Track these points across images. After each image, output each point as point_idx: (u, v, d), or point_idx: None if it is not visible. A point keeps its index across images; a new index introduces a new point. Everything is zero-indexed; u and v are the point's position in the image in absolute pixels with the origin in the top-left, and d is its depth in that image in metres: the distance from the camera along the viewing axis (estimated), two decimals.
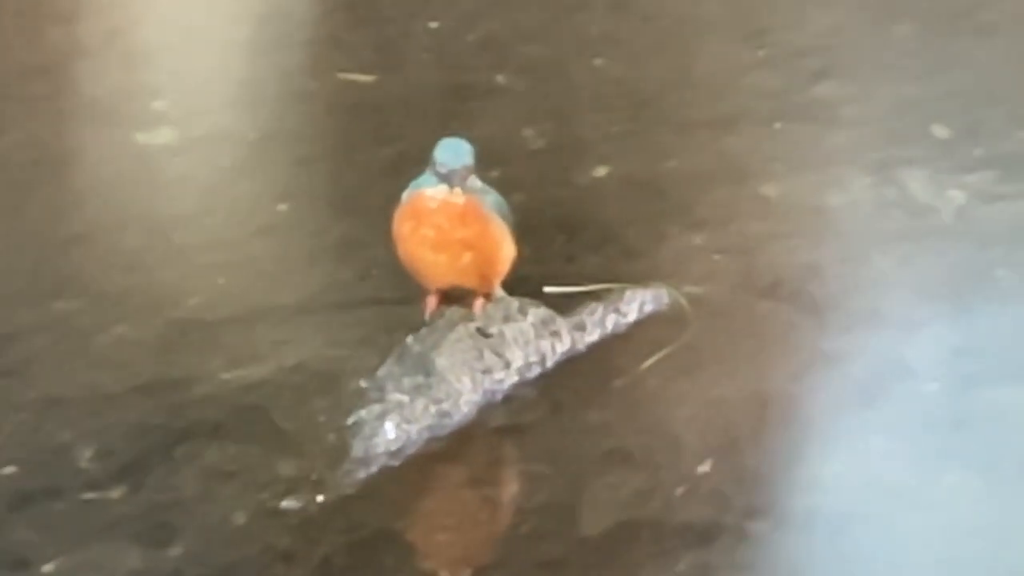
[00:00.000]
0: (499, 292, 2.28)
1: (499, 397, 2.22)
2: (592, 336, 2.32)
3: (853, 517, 2.04)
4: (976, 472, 2.10)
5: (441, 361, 2.20)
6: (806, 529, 2.04)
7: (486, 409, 2.20)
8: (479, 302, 2.27)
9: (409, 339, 2.24)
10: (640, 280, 2.39)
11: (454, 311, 2.26)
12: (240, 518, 2.03)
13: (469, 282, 2.24)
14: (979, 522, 2.03)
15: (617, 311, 2.35)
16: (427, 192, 2.18)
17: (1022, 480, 2.10)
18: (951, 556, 2.00)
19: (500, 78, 2.95)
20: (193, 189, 2.67)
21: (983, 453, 2.14)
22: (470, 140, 2.19)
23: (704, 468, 2.12)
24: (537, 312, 2.29)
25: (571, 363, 2.28)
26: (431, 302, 2.27)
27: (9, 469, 2.10)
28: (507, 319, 2.27)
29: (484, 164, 2.21)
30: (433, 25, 3.14)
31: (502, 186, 2.27)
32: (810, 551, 2.01)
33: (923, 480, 2.10)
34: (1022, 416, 2.21)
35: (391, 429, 2.14)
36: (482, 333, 2.24)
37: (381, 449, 2.13)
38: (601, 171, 2.70)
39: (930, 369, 2.28)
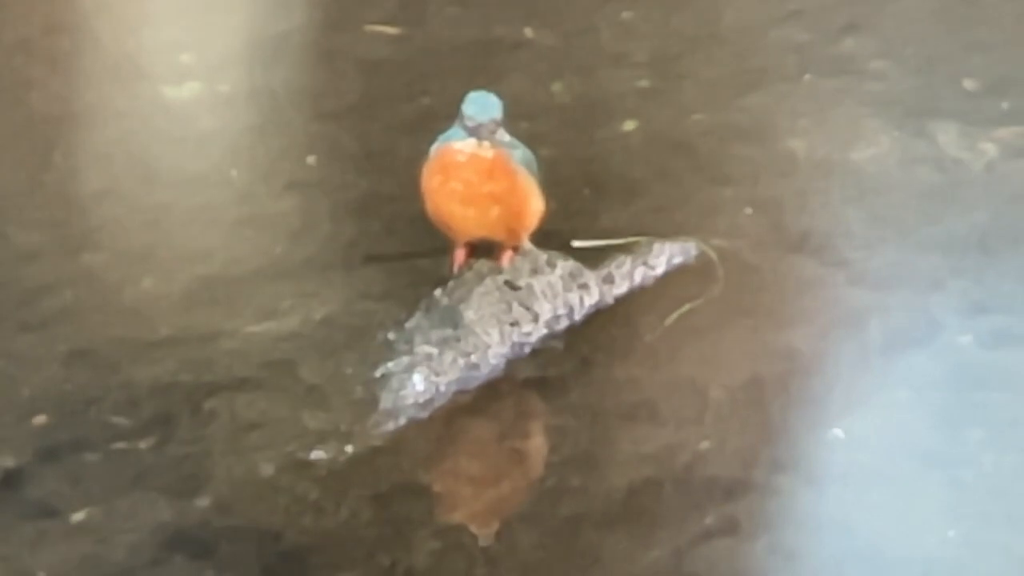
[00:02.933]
0: (527, 245, 2.28)
1: (527, 350, 2.22)
2: (620, 289, 2.32)
3: (878, 472, 2.04)
4: (1001, 428, 2.10)
5: (469, 314, 2.21)
6: (831, 484, 2.04)
7: (514, 362, 2.21)
8: (507, 255, 2.27)
9: (437, 292, 2.24)
10: (667, 235, 2.39)
11: (482, 264, 2.26)
12: (268, 470, 2.04)
13: (497, 235, 2.24)
14: (1002, 479, 2.03)
15: (645, 264, 2.35)
16: (455, 146, 2.18)
17: None
18: (975, 512, 2.00)
19: (528, 32, 2.94)
20: (219, 143, 2.67)
21: (1007, 410, 2.13)
22: (498, 94, 2.19)
23: (730, 423, 2.12)
24: (565, 265, 2.29)
25: (599, 316, 2.29)
26: (459, 255, 2.27)
27: (39, 419, 2.11)
28: (535, 272, 2.27)
29: (511, 118, 2.21)
30: None
31: (530, 140, 2.27)
32: (835, 506, 2.02)
33: (948, 436, 2.10)
34: None
35: (419, 381, 2.14)
36: (510, 286, 2.24)
37: (409, 401, 2.13)
38: (629, 126, 2.70)
39: (958, 325, 2.27)
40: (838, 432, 2.07)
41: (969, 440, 2.09)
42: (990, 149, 2.61)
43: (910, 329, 2.27)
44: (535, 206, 2.24)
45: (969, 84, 2.77)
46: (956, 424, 2.11)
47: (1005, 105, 2.71)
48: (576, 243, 2.34)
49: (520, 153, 2.22)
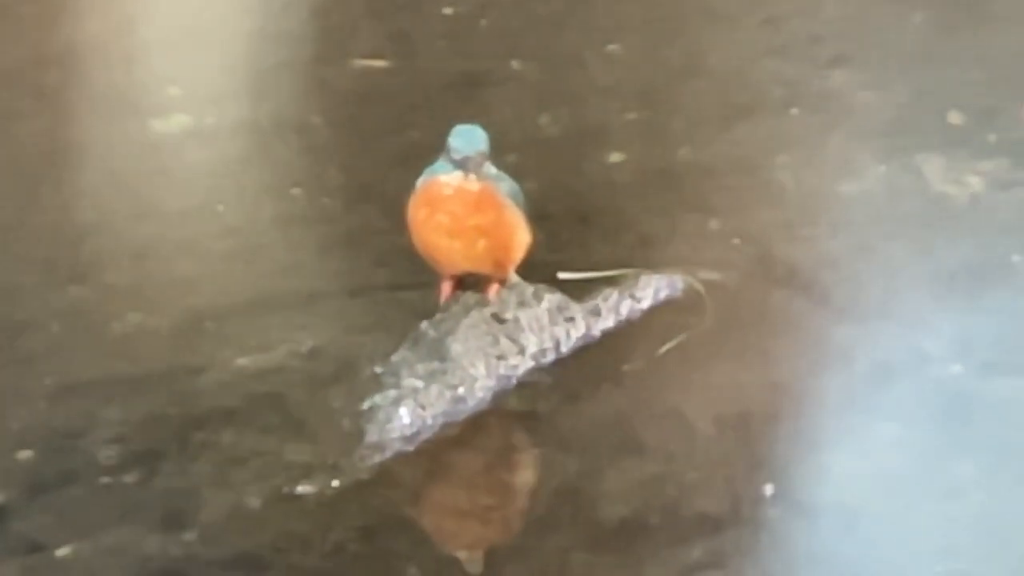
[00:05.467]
0: (514, 278, 2.28)
1: (514, 383, 2.22)
2: (607, 322, 2.32)
3: (866, 506, 2.04)
4: (989, 463, 2.10)
5: (456, 347, 2.21)
6: (819, 518, 2.03)
7: (501, 395, 2.20)
8: (494, 288, 2.27)
9: (424, 325, 2.24)
10: (654, 267, 2.39)
11: (469, 297, 2.26)
12: (255, 503, 2.03)
13: (484, 268, 2.24)
14: (992, 512, 2.03)
15: (632, 297, 2.35)
16: (442, 179, 2.18)
17: None
18: (962, 547, 1.99)
19: (514, 64, 2.95)
20: (207, 177, 2.67)
21: (996, 444, 2.13)
22: (484, 127, 2.19)
23: (718, 456, 2.12)
24: (552, 298, 2.29)
25: (586, 349, 2.28)
26: (446, 288, 2.27)
27: (25, 454, 2.10)
28: (522, 305, 2.27)
29: (498, 151, 2.21)
30: (447, 11, 3.14)
31: (516, 173, 2.27)
32: (823, 540, 2.01)
33: (936, 470, 2.09)
34: None
35: (406, 415, 2.14)
36: (497, 319, 2.24)
37: (396, 435, 2.13)
38: (616, 158, 2.70)
39: (945, 358, 2.27)
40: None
41: (959, 474, 2.08)
42: (976, 182, 2.62)
43: (898, 362, 2.27)
44: (522, 239, 2.24)
45: (955, 117, 2.78)
46: (945, 458, 2.11)
47: (991, 138, 2.71)
48: (562, 275, 2.34)
49: (506, 186, 2.22)
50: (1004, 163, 2.66)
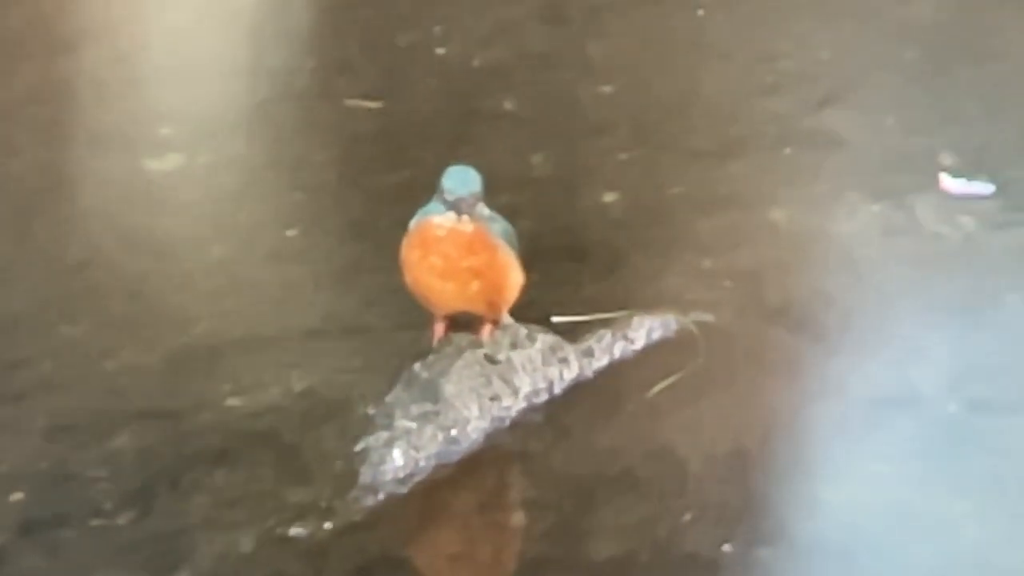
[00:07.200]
0: (507, 319, 2.28)
1: (507, 423, 2.22)
2: (600, 362, 2.32)
3: (860, 544, 2.03)
4: (986, 498, 2.10)
5: (449, 388, 2.20)
6: (812, 556, 2.03)
7: (494, 435, 2.20)
8: (487, 328, 2.26)
9: (417, 366, 2.24)
10: (648, 306, 2.39)
11: (462, 337, 2.26)
12: (247, 545, 2.03)
13: (477, 309, 2.24)
14: (988, 549, 2.03)
15: (625, 337, 2.35)
16: (435, 220, 2.18)
17: None
18: None
19: (507, 104, 2.95)
20: (200, 215, 2.67)
21: (990, 480, 2.13)
22: (477, 166, 2.19)
23: (711, 495, 2.11)
24: (545, 338, 2.29)
25: (579, 389, 2.28)
26: (439, 328, 2.27)
27: (16, 495, 2.10)
28: (515, 345, 2.27)
29: (492, 190, 2.21)
30: (440, 51, 3.15)
31: (510, 212, 2.27)
32: None
33: (930, 507, 2.09)
34: None
35: (399, 456, 2.14)
36: (490, 360, 2.24)
37: (389, 476, 2.13)
38: (609, 197, 2.70)
39: (938, 395, 2.27)
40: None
41: (953, 509, 2.08)
42: (968, 223, 2.62)
43: (891, 399, 2.27)
44: (515, 280, 2.24)
45: (946, 157, 2.78)
46: (940, 494, 2.11)
47: (982, 178, 2.72)
48: (556, 319, 2.34)
49: (500, 227, 2.22)
50: (996, 204, 2.66)
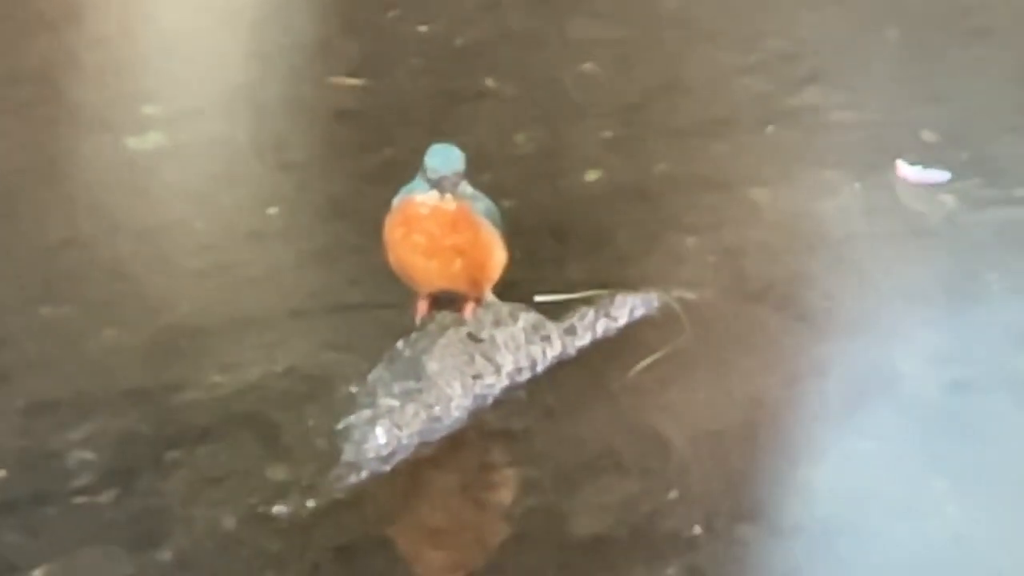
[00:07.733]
0: (490, 297, 2.28)
1: (490, 402, 2.22)
2: (583, 341, 2.32)
3: (842, 524, 2.04)
4: (965, 479, 2.10)
5: (432, 366, 2.20)
6: (794, 535, 2.04)
7: (477, 414, 2.20)
8: (470, 307, 2.26)
9: (400, 344, 2.24)
10: (631, 285, 2.39)
11: (445, 316, 2.26)
12: (230, 523, 2.03)
13: (460, 287, 2.24)
14: (967, 529, 2.03)
15: (608, 316, 2.35)
16: (418, 198, 2.18)
17: (1011, 487, 2.10)
18: (938, 563, 2.00)
19: (490, 83, 2.95)
20: (182, 194, 2.67)
21: (972, 460, 2.14)
22: (460, 145, 2.19)
23: (693, 474, 2.12)
24: (528, 317, 2.29)
25: (562, 368, 2.28)
26: (422, 307, 2.27)
27: None
28: (498, 324, 2.27)
29: (474, 169, 2.21)
30: (423, 30, 3.14)
31: (492, 191, 2.27)
32: (798, 557, 2.01)
33: (912, 487, 2.10)
34: (1011, 422, 2.21)
35: (382, 434, 2.14)
36: (473, 338, 2.24)
37: (372, 454, 2.13)
38: (592, 176, 2.70)
39: (920, 375, 2.28)
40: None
41: (934, 490, 2.09)
42: (949, 201, 2.63)
43: (873, 379, 2.27)
44: (498, 258, 2.24)
45: (928, 135, 2.79)
46: (920, 474, 2.11)
47: (964, 156, 2.73)
48: (539, 298, 2.34)
49: (483, 205, 2.22)
50: (977, 181, 2.67)
